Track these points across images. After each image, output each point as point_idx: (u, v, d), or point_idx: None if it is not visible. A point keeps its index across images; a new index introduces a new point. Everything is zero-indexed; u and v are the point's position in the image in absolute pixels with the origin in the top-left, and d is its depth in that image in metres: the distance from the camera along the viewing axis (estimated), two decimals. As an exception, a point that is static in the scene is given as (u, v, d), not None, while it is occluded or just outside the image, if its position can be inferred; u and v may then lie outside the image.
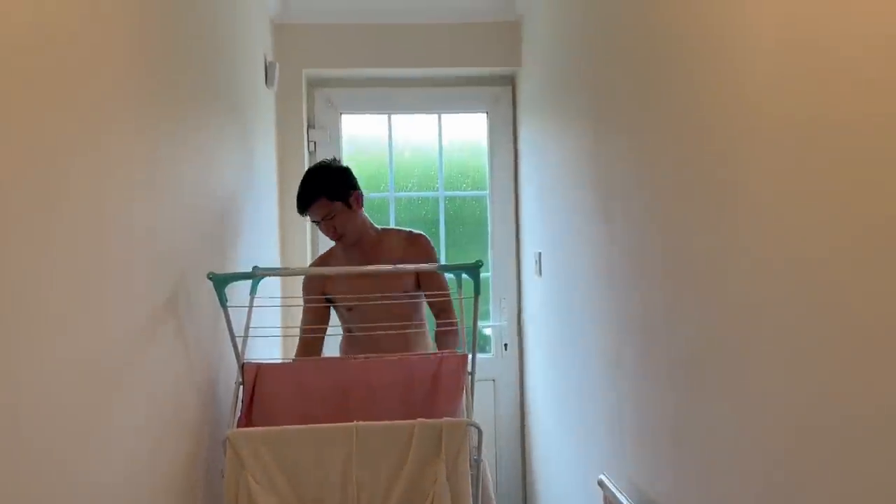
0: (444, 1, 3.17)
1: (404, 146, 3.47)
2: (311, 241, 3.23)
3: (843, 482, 0.93)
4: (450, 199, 3.47)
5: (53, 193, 0.99)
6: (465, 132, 3.49)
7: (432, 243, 2.50)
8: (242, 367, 1.82)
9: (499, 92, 3.38)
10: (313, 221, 2.41)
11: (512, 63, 3.22)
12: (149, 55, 1.40)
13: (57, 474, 0.98)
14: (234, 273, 1.81)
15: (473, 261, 1.73)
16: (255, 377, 1.83)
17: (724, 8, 1.21)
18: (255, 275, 1.84)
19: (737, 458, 1.20)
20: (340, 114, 3.35)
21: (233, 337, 1.79)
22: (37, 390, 0.93)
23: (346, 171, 2.41)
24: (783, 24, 1.03)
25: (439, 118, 3.41)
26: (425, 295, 2.41)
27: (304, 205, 2.35)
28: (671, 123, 1.46)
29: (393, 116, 3.40)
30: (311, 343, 2.39)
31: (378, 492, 1.62)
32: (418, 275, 2.42)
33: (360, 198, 2.40)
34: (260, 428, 1.70)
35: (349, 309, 2.42)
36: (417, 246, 2.44)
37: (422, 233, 2.51)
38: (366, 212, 2.46)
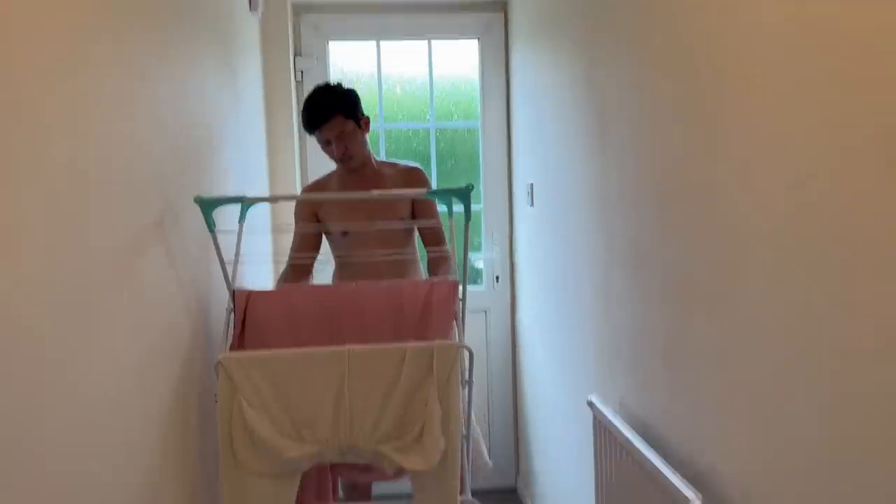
0: (433, -79, 3.05)
1: (395, 79, 3.39)
2: (300, 169, 3.20)
3: (831, 397, 0.93)
4: (441, 131, 3.41)
5: (26, 115, 0.95)
6: (456, 63, 3.41)
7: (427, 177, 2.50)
8: (233, 293, 1.81)
9: (490, 18, 3.29)
10: (323, 141, 2.36)
11: (504, -13, 3.13)
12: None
13: (39, 395, 0.97)
14: (222, 197, 1.77)
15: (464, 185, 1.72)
16: (245, 303, 1.82)
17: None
18: (244, 200, 1.81)
19: (727, 376, 1.21)
20: (328, 41, 3.26)
21: (222, 263, 1.77)
22: (15, 312, 0.92)
23: (356, 94, 2.37)
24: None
25: (429, 44, 3.32)
26: (418, 224, 2.41)
27: (319, 121, 2.31)
28: (666, 48, 1.42)
29: (382, 48, 3.30)
30: (299, 267, 2.38)
31: (370, 414, 1.64)
32: (413, 206, 2.41)
33: (368, 122, 2.38)
34: (252, 351, 1.70)
35: (343, 234, 2.41)
36: (414, 179, 2.44)
37: (419, 166, 2.50)
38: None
